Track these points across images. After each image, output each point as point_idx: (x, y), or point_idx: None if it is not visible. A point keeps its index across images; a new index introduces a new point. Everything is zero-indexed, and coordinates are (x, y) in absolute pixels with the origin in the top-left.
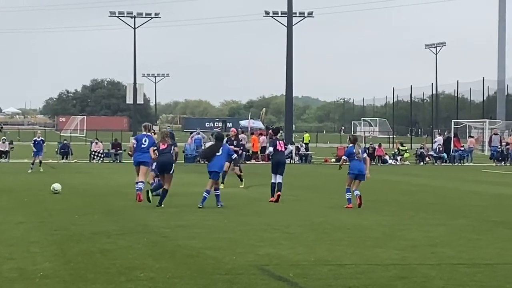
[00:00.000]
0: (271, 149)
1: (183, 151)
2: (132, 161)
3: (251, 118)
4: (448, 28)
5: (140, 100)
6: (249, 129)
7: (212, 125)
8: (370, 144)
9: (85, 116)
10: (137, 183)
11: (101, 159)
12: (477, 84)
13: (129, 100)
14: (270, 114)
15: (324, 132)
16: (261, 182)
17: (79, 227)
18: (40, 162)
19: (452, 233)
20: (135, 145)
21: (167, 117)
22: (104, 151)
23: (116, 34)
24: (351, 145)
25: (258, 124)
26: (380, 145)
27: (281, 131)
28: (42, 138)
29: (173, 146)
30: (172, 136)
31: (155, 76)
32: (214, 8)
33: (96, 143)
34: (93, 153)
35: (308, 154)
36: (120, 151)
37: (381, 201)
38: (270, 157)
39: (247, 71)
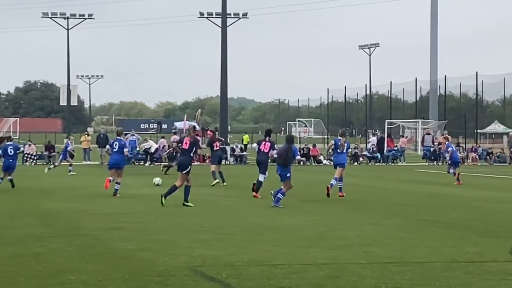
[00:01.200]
0: (254, 145)
1: None
2: None
3: (186, 120)
4: (382, 29)
5: (74, 102)
6: (184, 130)
7: (147, 126)
8: (305, 145)
9: (18, 118)
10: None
11: (34, 161)
12: (410, 84)
13: (63, 101)
14: (206, 115)
15: (260, 133)
16: (195, 183)
17: (10, 230)
18: None
19: (385, 232)
20: (109, 150)
21: (101, 118)
22: (38, 153)
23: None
24: (338, 138)
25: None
26: (314, 146)
27: (270, 133)
28: None
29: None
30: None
31: (89, 78)
32: (149, 10)
33: (29, 145)
34: (26, 155)
35: (243, 155)
36: (54, 153)
37: (315, 201)
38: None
39: (182, 72)
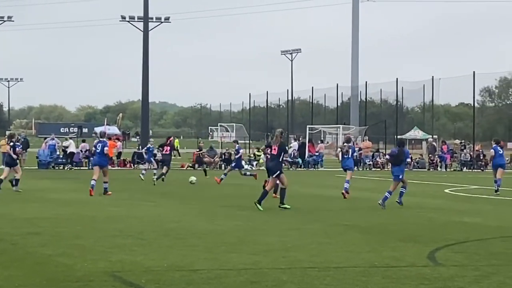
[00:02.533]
0: (261, 154)
1: (37, 157)
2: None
3: (107, 124)
4: (304, 34)
5: None
6: (105, 134)
7: (67, 130)
8: (226, 150)
9: None
10: (93, 180)
11: None
12: (331, 90)
13: None
14: (127, 119)
15: (181, 137)
16: (114, 188)
17: None
18: None
19: (305, 237)
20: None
21: (21, 122)
22: None
23: None
24: (344, 144)
25: (114, 130)
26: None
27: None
28: None
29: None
30: (26, 143)
31: (8, 81)
32: (70, 12)
33: None
34: None
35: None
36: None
37: (235, 206)
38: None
39: (104, 76)
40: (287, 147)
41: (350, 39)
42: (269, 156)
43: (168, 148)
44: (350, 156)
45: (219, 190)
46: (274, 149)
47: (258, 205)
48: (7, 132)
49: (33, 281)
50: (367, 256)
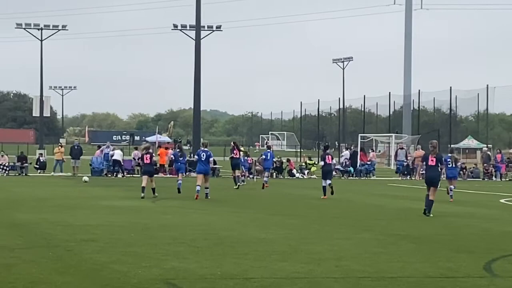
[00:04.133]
0: (322, 162)
1: (90, 164)
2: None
3: (158, 133)
4: (356, 43)
5: (46, 113)
6: (156, 143)
7: (119, 138)
8: (278, 158)
9: None
10: (198, 185)
11: (7, 172)
12: (383, 98)
13: (36, 112)
14: (178, 127)
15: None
16: (168, 196)
17: None
18: None
19: (357, 246)
20: (197, 159)
21: (74, 130)
22: (10, 164)
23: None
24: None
25: (165, 138)
26: (289, 160)
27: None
28: None
29: None
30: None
31: (62, 89)
32: (123, 21)
33: (2, 156)
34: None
35: (215, 167)
36: (26, 164)
37: (287, 215)
38: (321, 167)
39: (155, 84)
40: (442, 158)
41: (402, 47)
42: (424, 167)
43: (237, 151)
44: (454, 165)
45: (270, 199)
46: (432, 160)
47: (428, 214)
48: (61, 140)
49: (88, 287)
50: (420, 267)
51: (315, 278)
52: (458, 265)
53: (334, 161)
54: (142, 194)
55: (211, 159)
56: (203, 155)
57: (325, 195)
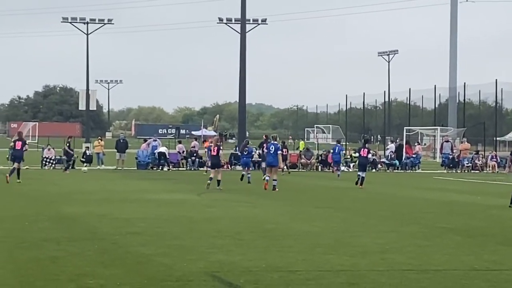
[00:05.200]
0: (357, 154)
1: (136, 158)
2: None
3: (203, 127)
4: (401, 36)
5: (93, 107)
6: (201, 136)
7: (165, 131)
8: (323, 151)
9: (37, 122)
10: (267, 176)
11: (53, 165)
12: (429, 91)
13: (82, 106)
14: (224, 121)
15: (278, 139)
16: (212, 189)
17: (29, 234)
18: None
19: (402, 239)
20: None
21: (120, 123)
22: (56, 157)
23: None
24: None
25: (211, 132)
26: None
27: (367, 142)
28: None
29: None
30: (125, 144)
31: (108, 83)
32: (168, 15)
33: (49, 149)
34: (45, 159)
35: (261, 160)
36: (73, 158)
37: (332, 208)
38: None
39: (201, 78)
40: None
41: (448, 39)
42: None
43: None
44: None
45: (315, 192)
46: None
47: None
48: (107, 133)
49: (133, 280)
50: (466, 259)
51: (359, 271)
52: (504, 258)
53: (370, 155)
54: (209, 182)
55: (279, 151)
56: (272, 148)
57: (360, 184)
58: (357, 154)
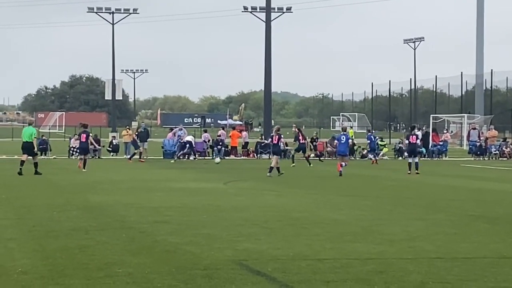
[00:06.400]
0: (406, 141)
1: (162, 147)
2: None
3: (229, 118)
4: (427, 23)
5: (118, 96)
6: (227, 125)
7: (191, 120)
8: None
9: (63, 112)
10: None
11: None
12: (455, 79)
13: (108, 96)
14: (249, 109)
15: (303, 127)
16: (239, 178)
17: (57, 223)
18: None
19: (430, 227)
20: (337, 143)
21: (146, 113)
22: None
23: (95, 30)
24: None
25: (236, 122)
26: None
27: (416, 129)
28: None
29: None
30: (147, 133)
31: (134, 72)
32: (192, 4)
33: (76, 139)
34: (72, 149)
35: (287, 149)
36: (99, 147)
37: (359, 196)
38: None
39: (226, 67)
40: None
41: (475, 26)
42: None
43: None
44: None
45: (342, 180)
46: None
47: None
48: (133, 123)
49: (162, 268)
50: (495, 247)
51: (387, 259)
52: None
53: (418, 141)
54: (268, 174)
55: (349, 141)
56: (343, 138)
57: (409, 170)
58: (384, 142)
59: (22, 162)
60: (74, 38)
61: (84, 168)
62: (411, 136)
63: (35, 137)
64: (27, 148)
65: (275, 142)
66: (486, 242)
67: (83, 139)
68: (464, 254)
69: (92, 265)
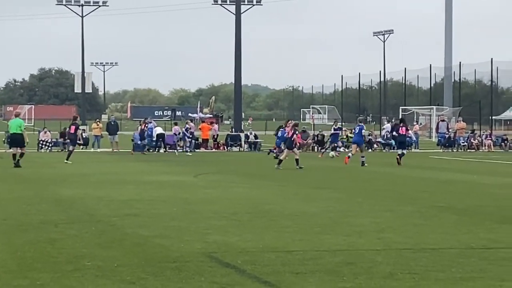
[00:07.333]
0: (395, 133)
1: (132, 140)
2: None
3: (200, 112)
4: (396, 15)
5: (88, 89)
6: (198, 118)
7: (161, 113)
8: (319, 131)
9: (33, 105)
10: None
11: (50, 148)
12: (424, 71)
13: (78, 89)
14: (220, 102)
15: (274, 120)
16: (209, 170)
17: (27, 216)
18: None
19: (399, 219)
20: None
21: (116, 106)
22: (53, 140)
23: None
24: None
25: (206, 115)
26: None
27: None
28: None
29: None
30: (116, 126)
31: (104, 65)
32: None
33: (45, 132)
34: (42, 142)
35: (257, 141)
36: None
37: (330, 188)
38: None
39: (196, 60)
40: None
41: (443, 19)
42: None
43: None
44: None
45: (313, 173)
46: None
47: None
48: (103, 116)
49: (131, 261)
50: (463, 238)
51: (356, 250)
52: (501, 236)
53: (410, 132)
54: (276, 165)
55: (363, 131)
56: (357, 129)
57: (399, 160)
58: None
59: (14, 156)
60: (43, 31)
61: (68, 160)
62: (400, 128)
63: (24, 129)
64: (16, 139)
65: (289, 136)
66: (454, 233)
67: (72, 131)
68: (432, 245)
69: (61, 259)
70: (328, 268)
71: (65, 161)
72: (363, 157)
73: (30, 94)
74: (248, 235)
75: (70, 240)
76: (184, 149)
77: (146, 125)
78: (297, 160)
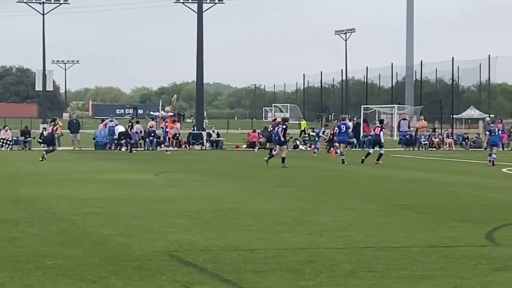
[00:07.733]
0: (372, 132)
1: (93, 138)
2: None
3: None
4: (358, 14)
5: (49, 87)
6: (159, 116)
7: (123, 112)
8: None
9: None
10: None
11: (10, 146)
12: (386, 70)
13: (38, 87)
14: (181, 100)
15: (236, 118)
16: (171, 169)
17: None
18: None
19: (361, 217)
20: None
21: (77, 104)
22: (13, 138)
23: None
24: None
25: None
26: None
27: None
28: None
29: None
30: (78, 124)
31: (65, 63)
32: None
33: (6, 130)
34: (2, 140)
35: (219, 140)
36: (29, 139)
37: (292, 187)
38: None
39: (158, 58)
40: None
41: (405, 18)
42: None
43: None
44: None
45: (276, 171)
46: None
47: None
48: (64, 114)
49: (92, 260)
50: (424, 236)
51: (318, 248)
52: (461, 234)
53: (382, 133)
54: (283, 164)
55: (349, 130)
56: (343, 127)
57: (378, 160)
58: (314, 133)
59: None
60: (3, 29)
61: (45, 158)
62: (376, 128)
63: None
64: None
65: (280, 133)
66: (415, 231)
67: (50, 130)
68: (393, 243)
69: (22, 258)
70: (289, 266)
71: (40, 159)
72: (340, 153)
73: None
74: (210, 234)
75: (30, 239)
76: (164, 148)
77: (105, 125)
78: (283, 158)
